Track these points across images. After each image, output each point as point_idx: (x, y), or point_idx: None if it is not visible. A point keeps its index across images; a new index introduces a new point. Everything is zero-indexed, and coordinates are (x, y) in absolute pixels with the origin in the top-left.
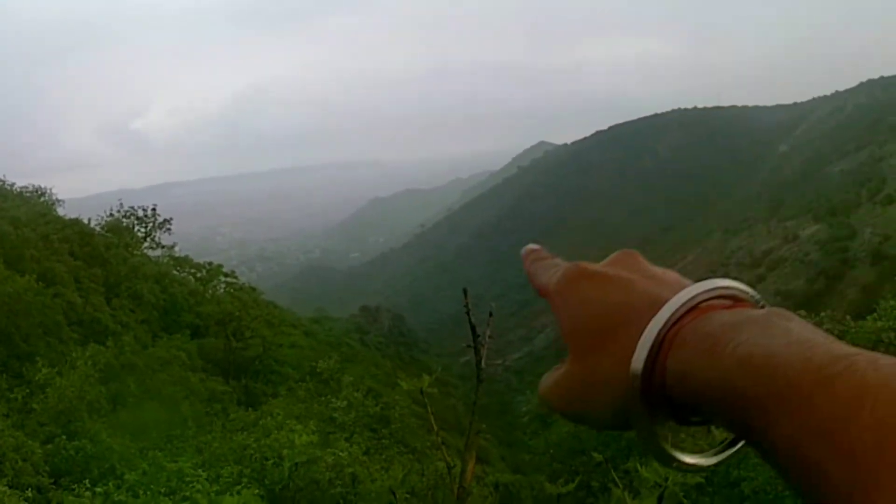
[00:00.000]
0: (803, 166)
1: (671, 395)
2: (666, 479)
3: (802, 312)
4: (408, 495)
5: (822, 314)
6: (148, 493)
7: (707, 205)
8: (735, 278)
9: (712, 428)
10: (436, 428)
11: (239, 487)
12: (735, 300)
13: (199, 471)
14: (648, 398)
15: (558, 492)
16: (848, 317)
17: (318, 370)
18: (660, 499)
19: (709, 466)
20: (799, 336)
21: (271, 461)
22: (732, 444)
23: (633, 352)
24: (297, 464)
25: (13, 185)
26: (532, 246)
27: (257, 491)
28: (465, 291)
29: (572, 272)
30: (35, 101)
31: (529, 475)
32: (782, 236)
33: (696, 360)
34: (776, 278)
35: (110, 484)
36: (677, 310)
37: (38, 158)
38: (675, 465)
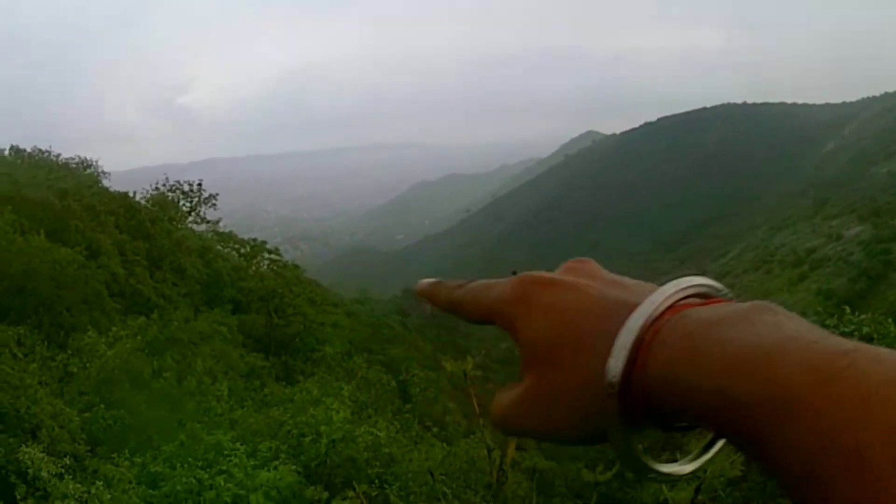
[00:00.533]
0: (849, 166)
1: (652, 402)
2: (704, 472)
3: (846, 308)
4: (443, 476)
5: (862, 316)
6: (185, 465)
7: (751, 201)
8: (777, 276)
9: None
10: (478, 410)
11: (276, 463)
12: (706, 298)
13: (238, 444)
14: (625, 407)
15: (595, 480)
16: (889, 319)
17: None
18: (697, 490)
19: (687, 474)
20: (791, 332)
21: (309, 437)
22: (710, 445)
23: (605, 359)
24: (333, 440)
25: (59, 155)
26: (429, 280)
27: (294, 467)
28: (514, 273)
29: (528, 281)
30: (80, 73)
31: (564, 463)
32: (826, 235)
33: (680, 363)
34: (818, 277)
35: (147, 455)
36: (655, 308)
37: (81, 129)
38: (651, 476)
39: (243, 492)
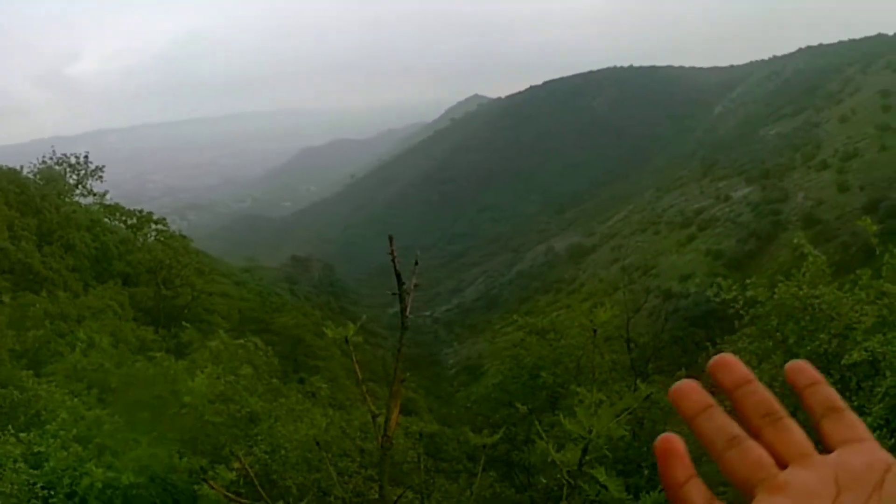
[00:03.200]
0: (738, 128)
1: None
2: (590, 432)
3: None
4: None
5: (748, 281)
6: (57, 440)
7: (641, 163)
8: (665, 237)
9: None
10: (360, 376)
11: (155, 434)
12: None
13: (117, 417)
14: None
15: (482, 442)
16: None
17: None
18: (584, 451)
19: None
20: None
21: (177, 409)
22: None
23: None
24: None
25: None
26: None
27: (171, 435)
28: (390, 239)
29: None
30: None
31: (455, 427)
32: (714, 196)
33: None
34: (707, 238)
35: (33, 433)
36: None
37: None
38: None
39: (114, 474)
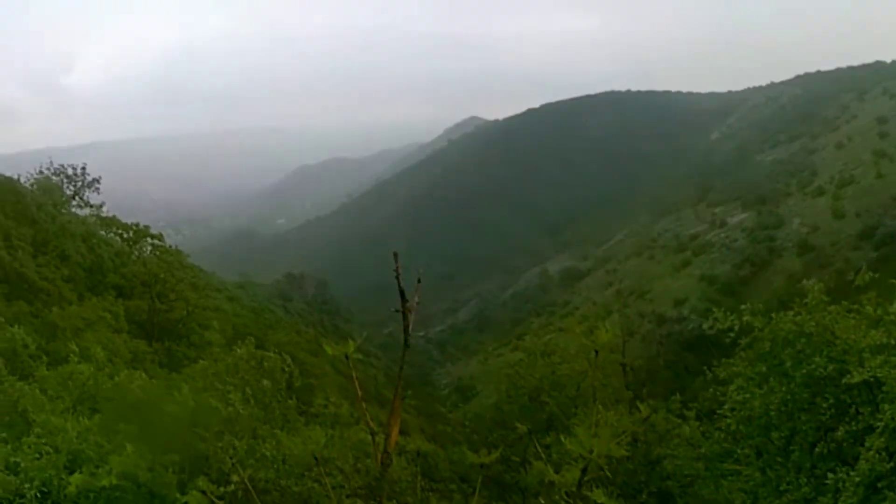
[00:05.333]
0: (734, 154)
1: None
2: (591, 452)
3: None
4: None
5: (742, 307)
6: (43, 453)
7: (637, 187)
8: (659, 262)
9: None
10: (360, 394)
11: (133, 447)
12: None
13: (104, 427)
14: None
15: (481, 461)
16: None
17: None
18: (583, 471)
19: None
20: None
21: (170, 419)
22: None
23: None
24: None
25: None
26: None
27: (159, 444)
28: (395, 256)
29: None
30: None
31: (448, 447)
32: (710, 221)
33: None
34: (702, 263)
35: (9, 446)
36: None
37: None
38: None
39: (93, 480)
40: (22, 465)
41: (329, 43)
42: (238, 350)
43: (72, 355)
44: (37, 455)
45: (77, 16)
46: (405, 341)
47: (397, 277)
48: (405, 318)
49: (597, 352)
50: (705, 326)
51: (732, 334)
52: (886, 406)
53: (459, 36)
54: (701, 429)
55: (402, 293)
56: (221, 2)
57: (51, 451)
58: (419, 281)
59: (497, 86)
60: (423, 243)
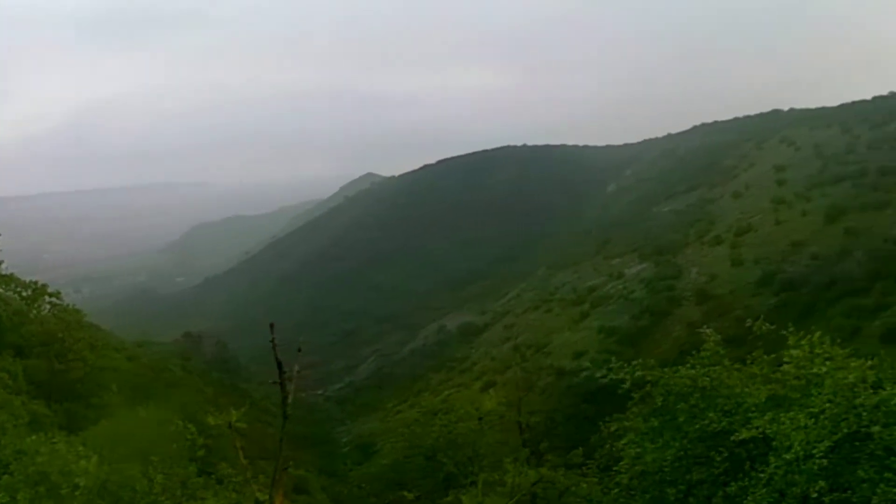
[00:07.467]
0: (632, 206)
1: None
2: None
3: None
4: None
5: (634, 362)
6: None
7: (537, 241)
8: (557, 315)
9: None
10: (244, 462)
11: None
12: None
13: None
14: None
15: None
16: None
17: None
18: None
19: None
20: None
21: (66, 488)
22: None
23: None
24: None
25: None
26: None
27: None
28: (271, 326)
29: None
30: None
31: None
32: (608, 273)
33: None
34: (600, 315)
35: None
36: None
37: None
38: None
39: None
40: None
41: (232, 99)
42: (140, 412)
43: None
44: None
45: None
46: (283, 413)
47: (273, 349)
48: (283, 389)
49: (481, 419)
50: (598, 375)
51: (625, 386)
52: (772, 459)
53: (354, 92)
54: (600, 485)
55: (279, 365)
56: (129, 57)
57: None
58: (299, 350)
59: (393, 141)
60: (321, 300)
